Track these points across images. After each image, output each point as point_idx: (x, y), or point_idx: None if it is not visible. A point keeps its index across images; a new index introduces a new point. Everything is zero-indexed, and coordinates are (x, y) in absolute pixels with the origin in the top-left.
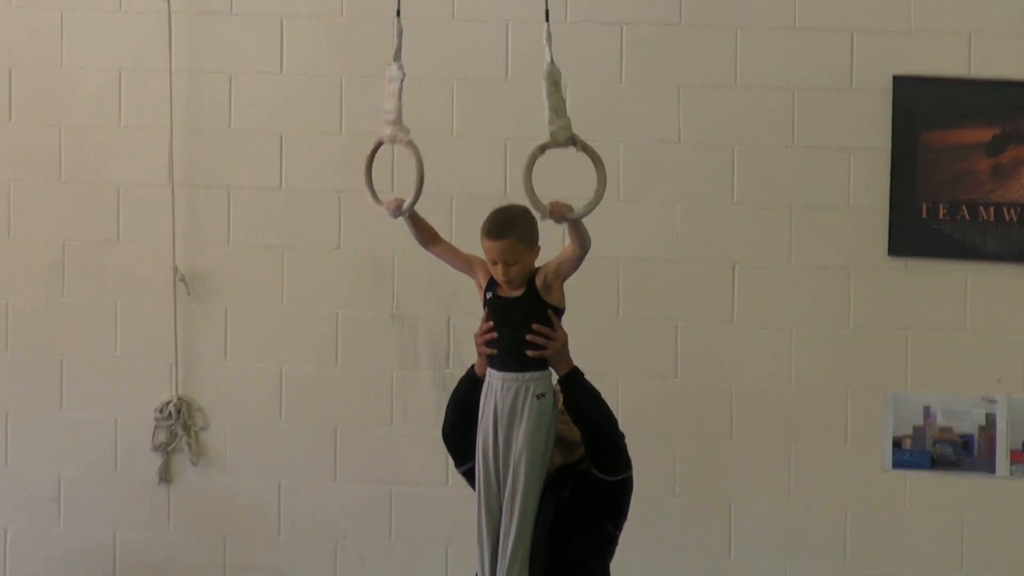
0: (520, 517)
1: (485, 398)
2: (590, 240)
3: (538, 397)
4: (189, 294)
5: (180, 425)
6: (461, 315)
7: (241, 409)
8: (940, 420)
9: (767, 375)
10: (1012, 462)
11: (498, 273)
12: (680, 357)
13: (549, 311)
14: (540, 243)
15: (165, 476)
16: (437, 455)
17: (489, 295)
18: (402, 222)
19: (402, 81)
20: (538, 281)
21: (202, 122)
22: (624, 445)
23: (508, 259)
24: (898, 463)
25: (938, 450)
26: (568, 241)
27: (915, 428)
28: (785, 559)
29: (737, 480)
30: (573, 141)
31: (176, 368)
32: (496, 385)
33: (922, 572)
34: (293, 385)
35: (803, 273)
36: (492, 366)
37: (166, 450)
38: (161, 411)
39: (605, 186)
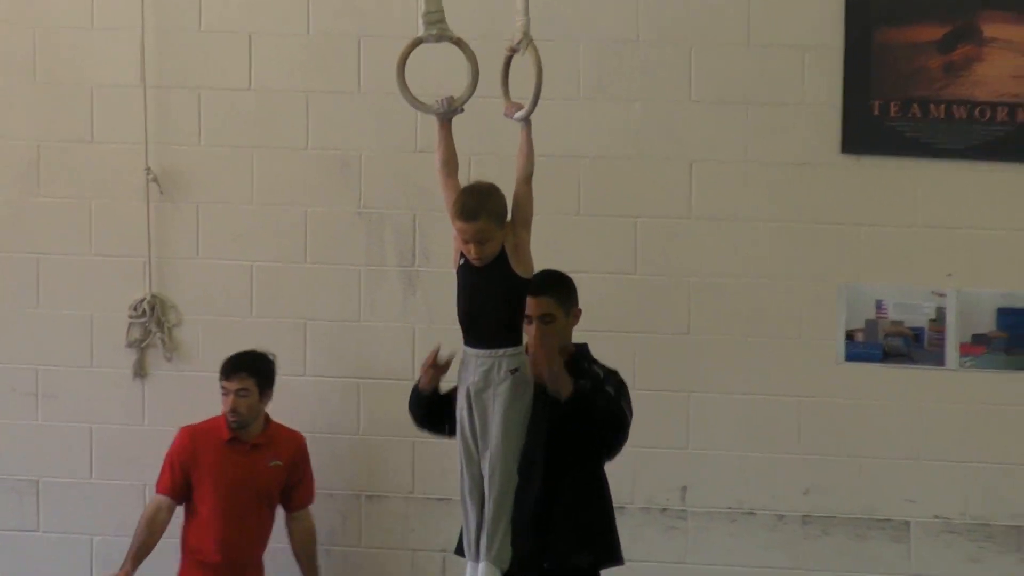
0: (500, 490)
1: (461, 374)
2: (534, 161)
3: (512, 372)
4: (162, 193)
5: (154, 322)
6: (427, 212)
7: (213, 306)
8: (892, 313)
9: (724, 269)
10: (961, 355)
11: (471, 252)
12: (639, 252)
13: (516, 287)
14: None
15: (140, 371)
16: (404, 350)
17: (462, 261)
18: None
19: None
20: (508, 246)
21: (173, 23)
22: (630, 420)
23: (480, 238)
24: (851, 356)
25: (890, 343)
26: (519, 151)
27: (867, 321)
28: (742, 448)
29: (695, 373)
30: (524, 41)
31: (149, 266)
32: (471, 362)
33: (875, 459)
34: (264, 282)
35: (759, 169)
36: (466, 343)
37: (140, 346)
38: (135, 308)
39: (541, 85)
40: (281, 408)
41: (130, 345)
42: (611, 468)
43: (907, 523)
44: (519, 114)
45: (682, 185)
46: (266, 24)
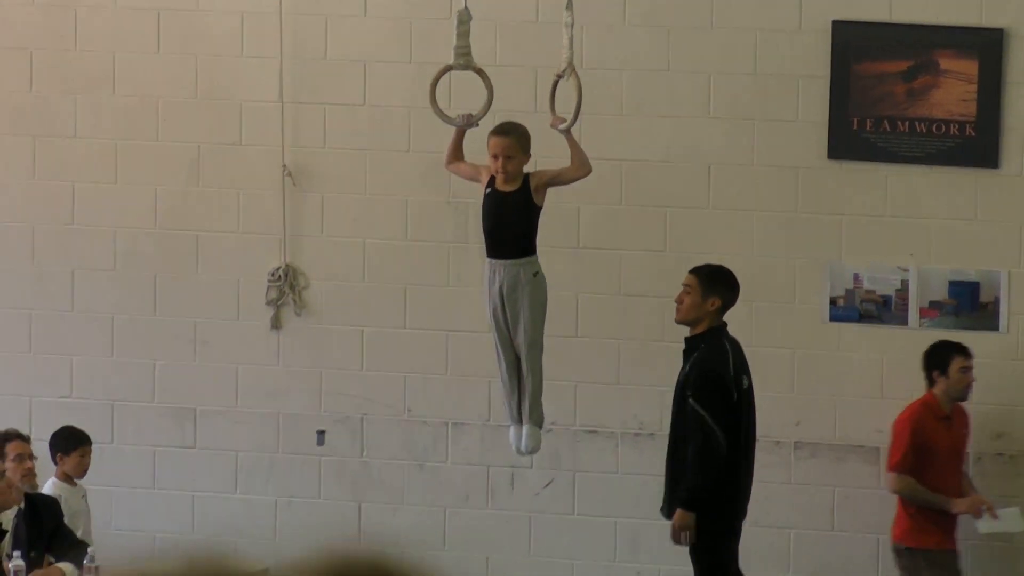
0: (533, 363)
1: (490, 279)
2: (589, 164)
3: (534, 275)
4: (295, 185)
5: (287, 285)
6: None
7: (334, 273)
8: (866, 284)
9: (735, 249)
10: (921, 317)
11: (496, 166)
12: (668, 236)
13: (534, 210)
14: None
15: (276, 324)
16: (483, 309)
17: (488, 191)
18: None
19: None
20: (532, 181)
21: (305, 53)
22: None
23: (507, 153)
24: (834, 317)
25: (864, 307)
26: (571, 157)
27: (847, 290)
28: None
29: None
30: (568, 70)
31: (285, 242)
32: (499, 270)
33: (852, 398)
34: (373, 255)
35: (762, 171)
36: (491, 255)
37: (276, 304)
38: (273, 275)
39: (580, 104)
40: (383, 357)
41: (268, 303)
42: (642, 394)
43: (877, 449)
44: (562, 126)
45: (702, 183)
46: (378, 54)
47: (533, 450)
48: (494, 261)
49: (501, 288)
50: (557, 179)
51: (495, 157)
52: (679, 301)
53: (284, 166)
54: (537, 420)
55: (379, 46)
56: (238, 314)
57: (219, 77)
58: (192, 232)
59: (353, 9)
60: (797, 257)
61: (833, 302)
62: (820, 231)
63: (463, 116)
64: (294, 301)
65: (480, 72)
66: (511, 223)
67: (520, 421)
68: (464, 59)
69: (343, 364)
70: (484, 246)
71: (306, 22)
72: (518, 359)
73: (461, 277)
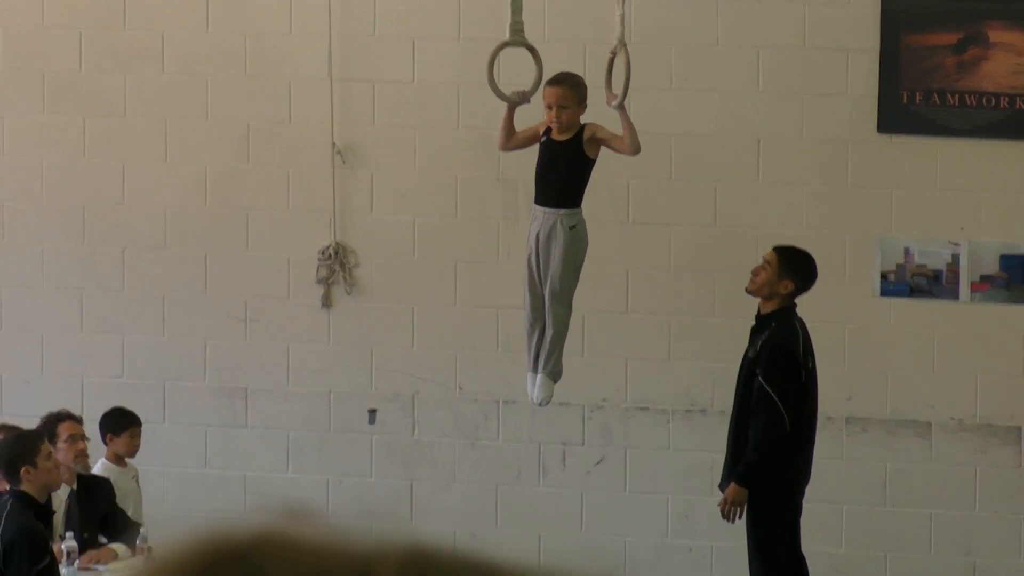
0: (558, 317)
1: (531, 225)
2: (639, 144)
3: (571, 228)
4: (344, 163)
5: (338, 263)
6: None
7: (384, 251)
8: (917, 258)
9: (785, 224)
10: (972, 291)
11: (552, 116)
12: (718, 210)
13: (584, 163)
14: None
15: (326, 302)
16: None
17: (544, 138)
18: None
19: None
20: (586, 133)
21: (354, 29)
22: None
23: (562, 103)
24: (885, 291)
25: (915, 281)
26: (623, 130)
27: (897, 265)
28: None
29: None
30: (618, 46)
31: (335, 220)
32: (539, 216)
33: (903, 372)
34: (423, 233)
35: (812, 145)
36: (537, 201)
37: (327, 282)
38: (323, 252)
39: (629, 81)
40: (433, 335)
41: (319, 281)
42: (693, 370)
43: (929, 423)
44: (615, 103)
45: (751, 158)
46: (426, 30)
47: (544, 401)
48: (536, 208)
49: (538, 234)
50: (608, 142)
51: (549, 107)
52: (755, 273)
53: (333, 143)
54: (552, 372)
55: (427, 22)
56: (288, 292)
57: (268, 54)
58: (242, 210)
59: None
60: (847, 231)
61: (884, 276)
62: (870, 205)
63: (517, 93)
64: (344, 279)
65: (531, 49)
66: (560, 172)
67: (536, 370)
68: (519, 35)
69: (394, 342)
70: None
71: None
72: (544, 308)
73: (511, 253)
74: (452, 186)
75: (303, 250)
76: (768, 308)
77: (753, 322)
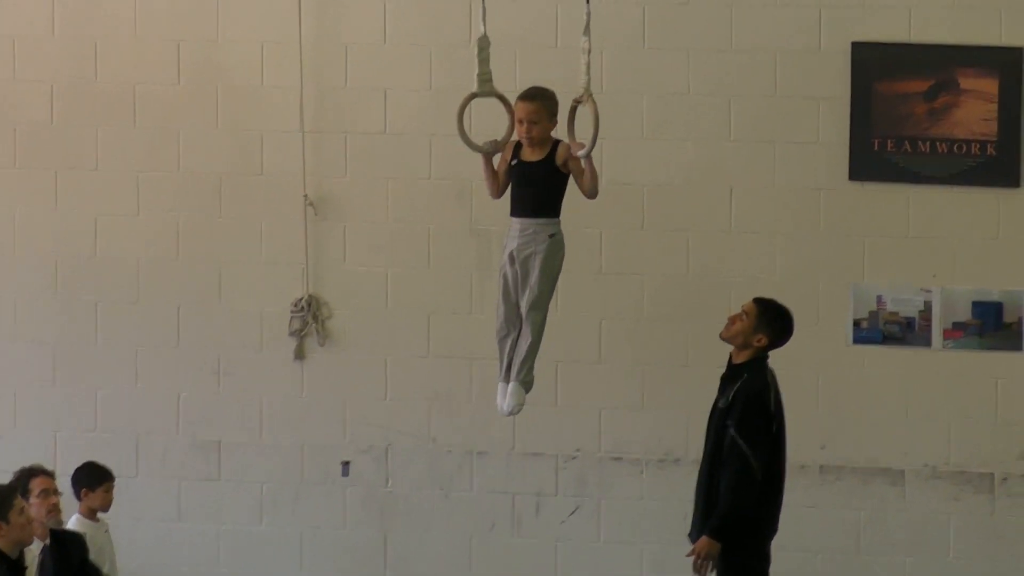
0: (535, 325)
1: (508, 236)
2: (598, 191)
3: (550, 236)
4: (316, 214)
5: (310, 315)
6: None
7: (357, 302)
8: (889, 306)
9: (758, 272)
10: (945, 338)
11: (522, 131)
12: (690, 259)
13: (559, 177)
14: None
15: (299, 354)
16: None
17: (514, 162)
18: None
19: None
20: (559, 155)
21: (325, 82)
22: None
23: (533, 118)
24: (858, 339)
25: (888, 329)
26: (584, 174)
27: (870, 312)
28: None
29: None
30: (584, 96)
31: (307, 271)
32: (516, 227)
33: (877, 420)
34: (396, 284)
35: (784, 193)
36: (514, 215)
37: (300, 335)
38: (296, 305)
39: (597, 131)
40: (407, 386)
41: (291, 334)
42: (667, 419)
43: (902, 471)
44: (581, 152)
45: (723, 206)
46: (397, 81)
47: (514, 409)
48: (514, 220)
49: (517, 244)
50: (574, 176)
51: (520, 122)
52: (731, 320)
53: (306, 195)
54: (524, 381)
55: (398, 73)
56: (261, 345)
57: (240, 107)
58: (214, 263)
59: (372, 37)
60: (820, 279)
61: (857, 324)
62: (843, 253)
63: (490, 142)
64: (317, 331)
65: (501, 98)
66: (536, 188)
67: (507, 379)
68: (487, 85)
69: (367, 393)
70: None
71: (326, 50)
72: (518, 317)
73: (485, 303)
74: (425, 237)
75: (276, 302)
76: (741, 358)
77: (724, 371)
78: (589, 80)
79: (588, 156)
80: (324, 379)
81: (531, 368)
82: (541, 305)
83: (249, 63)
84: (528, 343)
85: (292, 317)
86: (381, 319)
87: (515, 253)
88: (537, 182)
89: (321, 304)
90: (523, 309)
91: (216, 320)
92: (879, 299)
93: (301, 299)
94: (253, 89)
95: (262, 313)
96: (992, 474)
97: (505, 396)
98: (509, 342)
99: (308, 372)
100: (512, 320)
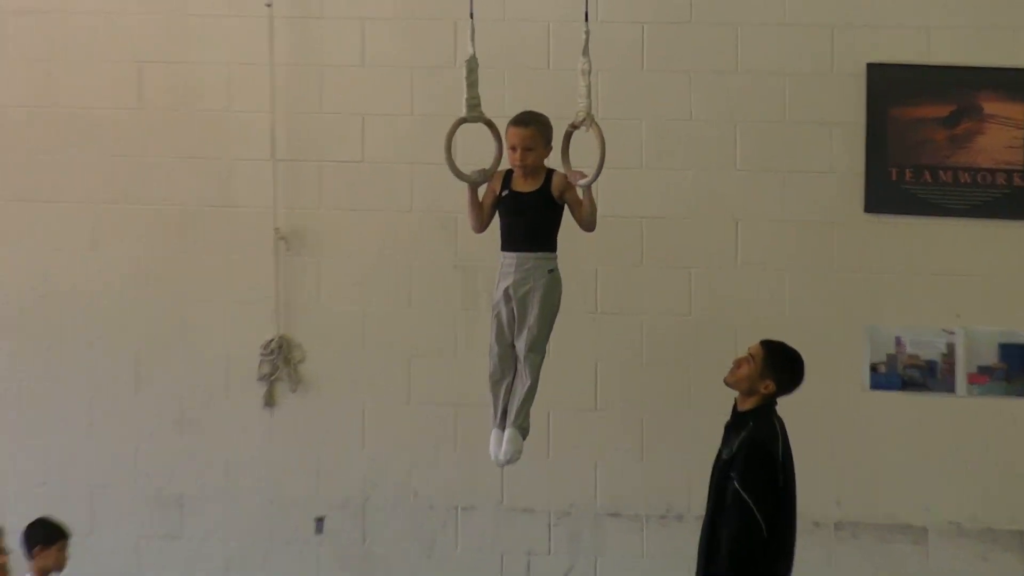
0: (533, 365)
1: (501, 273)
2: (595, 224)
3: (549, 272)
4: (288, 249)
5: (281, 358)
6: None
7: (332, 344)
8: (909, 348)
9: (766, 312)
10: (969, 383)
11: (515, 158)
12: (693, 297)
13: (556, 208)
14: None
15: (269, 401)
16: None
17: (505, 193)
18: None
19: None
20: (555, 186)
21: (298, 106)
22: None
23: (527, 144)
24: (875, 385)
25: (908, 373)
26: (582, 206)
27: (888, 355)
28: None
29: None
30: (588, 121)
31: (278, 311)
32: (512, 263)
33: (896, 473)
34: (374, 324)
35: (794, 227)
36: (507, 249)
37: (270, 380)
38: (266, 347)
39: (604, 158)
40: (386, 435)
41: (261, 378)
42: (668, 472)
43: (924, 528)
44: (583, 182)
45: (729, 240)
46: (377, 105)
47: (512, 458)
48: (508, 255)
49: (512, 281)
50: (570, 207)
51: (514, 149)
52: (737, 364)
53: (277, 229)
54: (522, 426)
55: (378, 97)
56: (228, 391)
57: (206, 133)
58: (177, 302)
59: (349, 58)
60: (833, 320)
61: (874, 368)
62: (858, 291)
63: (478, 172)
64: (289, 376)
65: (490, 124)
66: (531, 219)
67: (503, 426)
68: (476, 110)
69: (343, 444)
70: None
71: (299, 73)
72: (514, 359)
73: (470, 346)
74: (406, 273)
75: (244, 345)
76: (747, 405)
77: (729, 419)
78: (589, 103)
79: (588, 188)
80: (296, 427)
81: (528, 413)
82: (540, 346)
83: (216, 86)
84: (526, 386)
85: (262, 360)
86: (358, 362)
87: (511, 290)
88: (532, 214)
89: (293, 346)
90: (520, 350)
91: (179, 364)
92: (898, 341)
93: (272, 341)
94: (220, 114)
95: (229, 356)
96: (1022, 532)
97: (501, 444)
98: (504, 386)
99: (279, 420)
100: (507, 363)
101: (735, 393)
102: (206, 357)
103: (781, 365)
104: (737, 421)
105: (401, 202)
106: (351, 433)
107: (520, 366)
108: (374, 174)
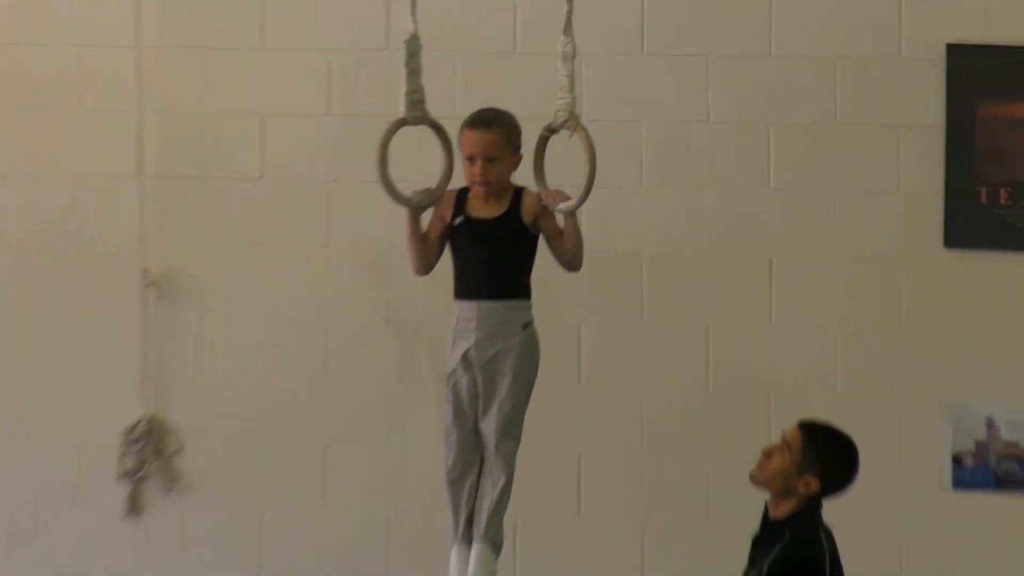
0: (502, 460)
1: (457, 330)
2: (582, 261)
3: (523, 326)
4: (161, 299)
5: (150, 449)
6: None
7: (218, 429)
8: (1004, 433)
9: (810, 382)
10: None
11: (473, 173)
12: (712, 363)
13: (529, 239)
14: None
15: (134, 507)
16: (442, 476)
17: (459, 220)
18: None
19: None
20: (527, 210)
21: (175, 104)
22: None
23: (489, 154)
24: (959, 483)
25: (1003, 467)
26: (563, 239)
27: (977, 443)
28: None
29: None
30: (571, 122)
31: (146, 383)
32: (471, 316)
33: None
34: (277, 401)
35: (848, 266)
36: (463, 297)
37: (134, 478)
38: (129, 433)
39: (594, 174)
40: (294, 549)
41: (123, 476)
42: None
43: None
44: (565, 206)
45: (761, 285)
46: (282, 103)
47: None
48: (464, 303)
49: (474, 340)
50: (548, 239)
51: (471, 159)
52: (767, 455)
53: (145, 270)
54: (494, 540)
55: (283, 92)
56: (78, 494)
57: (50, 140)
58: (7, 373)
59: (245, 39)
60: (903, 393)
61: (957, 460)
62: (934, 353)
63: (422, 193)
64: (161, 472)
65: (437, 126)
66: (494, 256)
67: (468, 540)
68: (419, 108)
69: (234, 564)
70: (439, 370)
71: (176, 59)
72: (478, 448)
73: (409, 427)
74: (321, 331)
75: (100, 431)
76: (781, 511)
77: (757, 529)
78: (574, 99)
79: (573, 212)
80: (169, 542)
81: (500, 522)
82: (515, 429)
83: (64, 76)
84: (499, 486)
85: (124, 452)
86: (254, 453)
87: (472, 353)
88: (496, 248)
89: (166, 431)
90: (488, 436)
91: (9, 459)
92: (989, 423)
93: (137, 424)
94: (69, 113)
95: (80, 446)
96: None
97: (468, 564)
98: (467, 486)
99: (146, 532)
100: (470, 453)
101: (766, 495)
102: (47, 449)
103: (826, 456)
104: (769, 533)
105: (315, 233)
106: (245, 550)
107: (488, 458)
108: (276, 195)
